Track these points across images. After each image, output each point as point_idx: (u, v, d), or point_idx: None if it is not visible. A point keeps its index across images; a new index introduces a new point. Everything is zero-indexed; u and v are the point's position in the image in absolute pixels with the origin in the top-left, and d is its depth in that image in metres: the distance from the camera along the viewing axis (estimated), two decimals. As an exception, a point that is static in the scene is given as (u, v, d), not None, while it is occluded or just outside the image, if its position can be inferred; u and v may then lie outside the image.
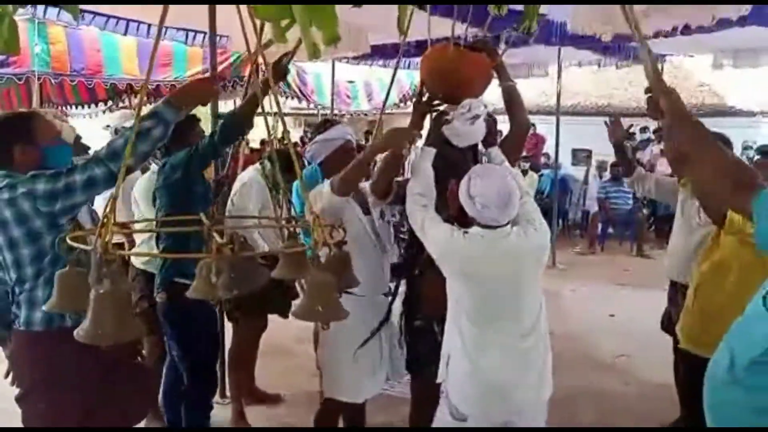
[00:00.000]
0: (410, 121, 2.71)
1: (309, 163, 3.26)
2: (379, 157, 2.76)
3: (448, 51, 2.69)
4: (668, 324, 3.74)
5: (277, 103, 1.89)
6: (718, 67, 7.57)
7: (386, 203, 2.88)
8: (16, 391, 2.29)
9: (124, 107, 10.09)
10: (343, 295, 2.62)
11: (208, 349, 3.11)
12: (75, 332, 1.17)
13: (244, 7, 1.62)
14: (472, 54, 2.76)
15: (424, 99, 2.73)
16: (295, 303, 3.74)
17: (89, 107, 9.54)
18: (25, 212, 2.08)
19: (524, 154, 10.72)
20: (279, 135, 4.81)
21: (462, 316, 2.44)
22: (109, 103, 9.83)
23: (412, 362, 2.86)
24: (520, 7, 3.37)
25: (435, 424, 2.60)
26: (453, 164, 2.68)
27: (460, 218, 2.43)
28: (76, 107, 9.59)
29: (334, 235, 1.36)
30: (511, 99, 2.92)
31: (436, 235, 2.41)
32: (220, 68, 7.07)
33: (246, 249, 1.30)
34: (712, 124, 2.93)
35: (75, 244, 1.25)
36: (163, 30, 5.93)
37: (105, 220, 1.20)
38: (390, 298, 2.90)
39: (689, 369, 2.88)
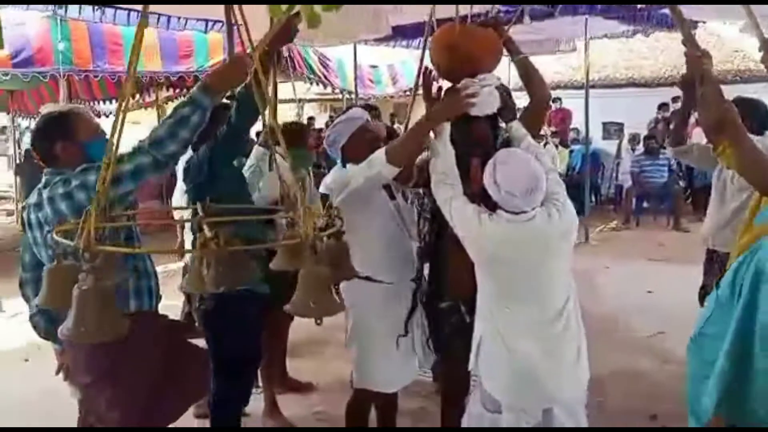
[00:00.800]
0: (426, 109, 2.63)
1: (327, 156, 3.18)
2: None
3: (454, 29, 2.63)
4: (705, 297, 3.63)
5: (264, 88, 1.77)
6: (746, 31, 7.26)
7: (410, 187, 2.82)
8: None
9: (153, 101, 10.18)
10: (370, 282, 2.63)
11: (244, 354, 2.99)
12: (59, 330, 1.15)
13: None
14: (478, 30, 2.70)
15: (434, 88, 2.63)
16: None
17: (117, 102, 9.62)
18: (82, 203, 2.09)
19: (553, 129, 10.57)
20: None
21: (491, 299, 2.38)
22: (137, 96, 9.93)
23: (439, 344, 2.81)
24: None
25: (467, 419, 2.52)
26: (473, 138, 2.60)
27: (485, 199, 2.36)
28: (104, 102, 9.71)
29: (331, 224, 1.30)
30: (527, 72, 2.81)
31: (463, 218, 2.35)
32: (240, 56, 7.08)
33: (233, 243, 1.22)
34: (747, 90, 2.82)
35: (59, 239, 1.23)
36: (182, 20, 5.83)
37: (86, 213, 1.17)
38: (416, 284, 2.85)
39: None
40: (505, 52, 2.82)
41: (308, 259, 1.24)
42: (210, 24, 6.46)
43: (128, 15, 5.88)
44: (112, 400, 2.27)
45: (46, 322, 2.43)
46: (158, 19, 6.02)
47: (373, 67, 9.69)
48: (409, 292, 2.82)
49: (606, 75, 12.41)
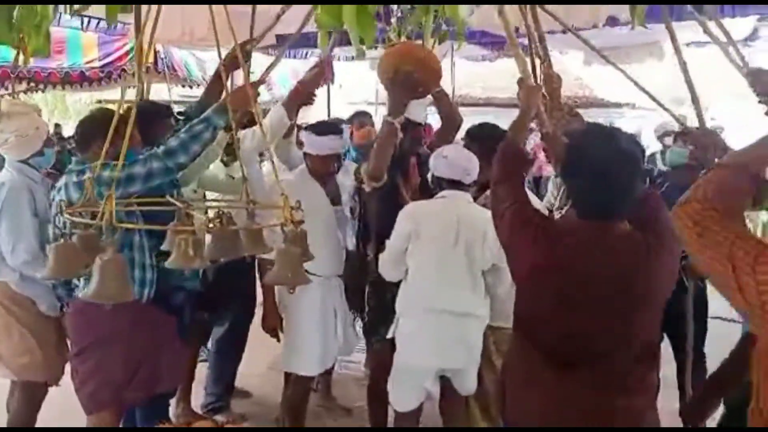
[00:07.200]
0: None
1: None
2: None
3: (402, 49, 3.25)
4: None
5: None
6: (588, 64, 8.24)
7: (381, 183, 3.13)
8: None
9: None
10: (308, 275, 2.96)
11: None
12: (83, 293, 1.33)
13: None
14: (424, 50, 3.32)
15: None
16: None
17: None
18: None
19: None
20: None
21: (413, 275, 2.80)
22: (-6, 90, 9.23)
23: (369, 326, 3.24)
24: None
25: (390, 383, 2.90)
26: (410, 139, 3.24)
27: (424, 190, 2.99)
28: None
29: (295, 214, 1.61)
30: (442, 102, 3.38)
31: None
32: (116, 56, 6.95)
33: (231, 223, 1.59)
34: (584, 115, 3.33)
35: (78, 220, 1.42)
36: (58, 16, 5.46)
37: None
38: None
39: None
40: None
41: (285, 239, 1.56)
42: (86, 22, 6.29)
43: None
44: (91, 370, 2.52)
45: (66, 293, 2.62)
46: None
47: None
48: (337, 286, 3.27)
49: (465, 93, 13.33)
